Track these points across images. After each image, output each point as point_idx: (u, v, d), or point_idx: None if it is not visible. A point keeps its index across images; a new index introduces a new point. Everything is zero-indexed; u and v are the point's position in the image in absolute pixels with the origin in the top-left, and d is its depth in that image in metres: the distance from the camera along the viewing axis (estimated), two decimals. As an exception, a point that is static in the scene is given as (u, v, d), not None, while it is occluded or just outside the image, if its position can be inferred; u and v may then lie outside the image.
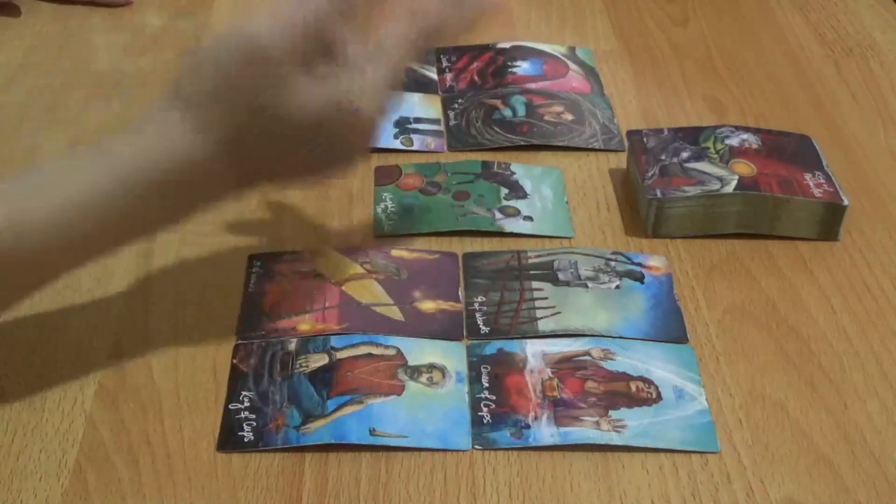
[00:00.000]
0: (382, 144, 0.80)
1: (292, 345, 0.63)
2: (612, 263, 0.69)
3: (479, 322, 0.65)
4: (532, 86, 0.86)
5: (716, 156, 0.74)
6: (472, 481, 0.56)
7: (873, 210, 0.75)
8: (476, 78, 0.88)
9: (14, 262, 0.56)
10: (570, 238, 0.72)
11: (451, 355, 0.62)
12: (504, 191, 0.75)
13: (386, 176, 0.77)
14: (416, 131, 0.82)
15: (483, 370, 0.61)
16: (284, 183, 0.67)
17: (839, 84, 0.89)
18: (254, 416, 0.58)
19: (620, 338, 0.64)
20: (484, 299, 0.66)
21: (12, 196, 0.56)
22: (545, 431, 0.58)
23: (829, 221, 0.71)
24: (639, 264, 0.69)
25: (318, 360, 0.61)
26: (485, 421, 0.58)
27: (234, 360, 0.62)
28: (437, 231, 0.72)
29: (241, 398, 0.59)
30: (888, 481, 0.56)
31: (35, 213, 0.55)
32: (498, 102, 0.84)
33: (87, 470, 0.56)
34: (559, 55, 0.91)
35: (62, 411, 0.59)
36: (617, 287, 0.67)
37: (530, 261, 0.69)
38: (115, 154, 0.58)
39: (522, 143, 0.80)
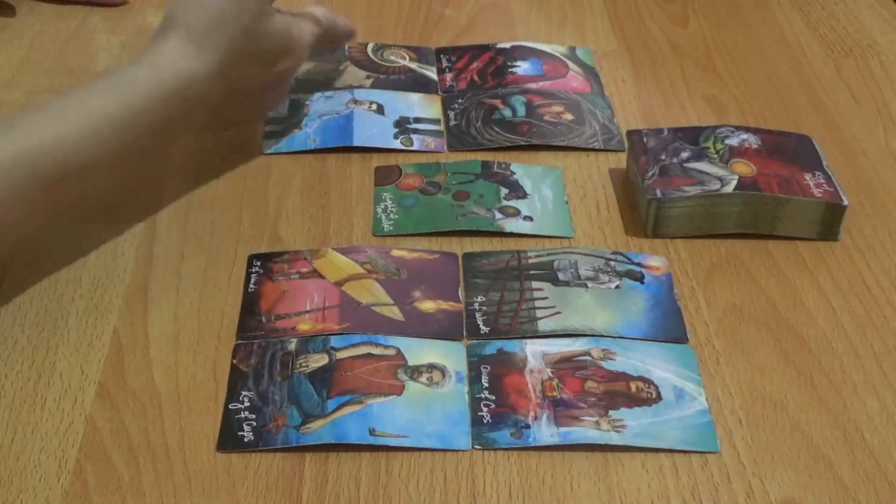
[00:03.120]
0: (382, 144, 0.80)
1: (292, 345, 0.63)
2: (612, 263, 0.69)
3: (478, 322, 0.65)
4: (532, 86, 0.86)
5: (716, 156, 0.74)
6: (472, 481, 0.56)
7: (873, 210, 0.75)
8: (476, 78, 0.88)
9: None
10: (570, 238, 0.72)
11: (450, 355, 0.62)
12: (504, 191, 0.75)
13: (386, 176, 0.77)
14: (416, 131, 0.82)
15: (483, 370, 0.61)
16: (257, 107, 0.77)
17: (839, 84, 0.89)
18: (254, 416, 0.58)
19: (620, 338, 0.64)
20: (484, 299, 0.66)
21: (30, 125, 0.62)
22: (545, 431, 0.58)
23: (829, 221, 0.71)
24: (639, 264, 0.69)
25: (318, 360, 0.61)
26: (485, 421, 0.58)
27: (234, 360, 0.62)
28: (437, 231, 0.72)
29: (241, 398, 0.59)
30: (888, 481, 0.56)
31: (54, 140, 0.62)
32: (498, 102, 0.84)
33: (87, 470, 0.56)
34: (559, 55, 0.91)
35: (62, 411, 0.59)
36: (617, 287, 0.67)
37: (530, 261, 0.69)
38: (126, 83, 0.66)
39: (522, 143, 0.80)
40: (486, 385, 0.60)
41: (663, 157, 0.74)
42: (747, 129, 0.77)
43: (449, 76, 0.88)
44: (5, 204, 0.59)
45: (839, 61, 0.92)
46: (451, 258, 0.70)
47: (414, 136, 0.81)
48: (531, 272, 0.68)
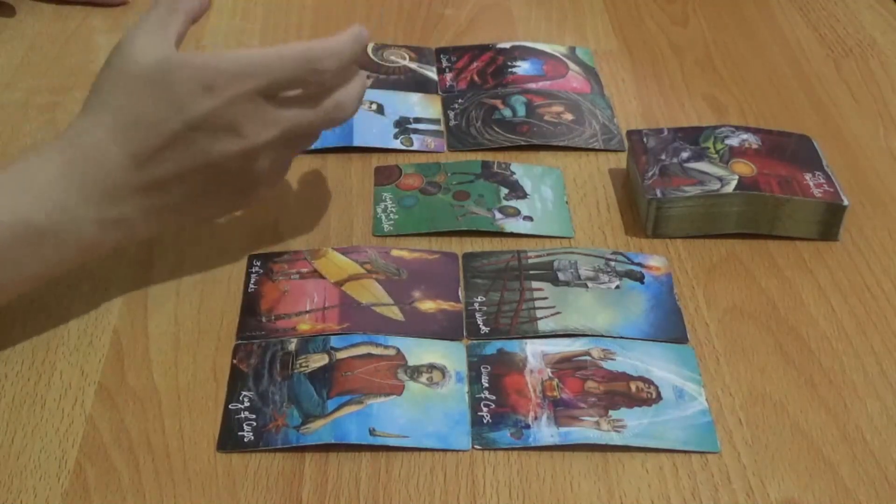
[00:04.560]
0: (382, 144, 0.80)
1: (292, 345, 0.63)
2: (612, 263, 0.69)
3: (478, 322, 0.65)
4: (532, 86, 0.86)
5: (716, 156, 0.74)
6: (472, 481, 0.56)
7: (873, 210, 0.75)
8: (476, 78, 0.88)
9: None
10: (570, 238, 0.72)
11: (450, 355, 0.62)
12: (504, 191, 0.75)
13: (386, 176, 0.77)
14: (416, 131, 0.82)
15: (483, 370, 0.61)
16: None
17: (839, 84, 0.89)
18: (254, 416, 0.58)
19: (620, 338, 0.64)
20: (484, 299, 0.66)
21: None
22: (545, 431, 0.58)
23: (829, 221, 0.71)
24: (639, 264, 0.69)
25: (318, 360, 0.61)
26: (485, 421, 0.58)
27: (234, 360, 0.62)
28: (437, 231, 0.72)
29: (241, 398, 0.59)
30: (888, 481, 0.56)
31: None
32: (498, 102, 0.84)
33: (87, 470, 0.56)
34: (559, 55, 0.91)
35: (62, 411, 0.59)
36: (617, 287, 0.67)
37: (530, 261, 0.69)
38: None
39: (522, 143, 0.80)
40: (486, 385, 0.60)
41: (663, 157, 0.74)
42: (747, 129, 0.77)
43: (449, 76, 0.88)
44: None
45: (839, 61, 0.92)
46: (451, 258, 0.70)
47: (414, 136, 0.81)
48: (531, 272, 0.68)
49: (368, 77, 0.70)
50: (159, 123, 0.59)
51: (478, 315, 0.65)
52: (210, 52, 0.62)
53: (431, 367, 0.61)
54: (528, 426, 0.58)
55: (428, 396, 0.60)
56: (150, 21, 0.62)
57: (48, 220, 0.58)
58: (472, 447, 0.57)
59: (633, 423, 0.58)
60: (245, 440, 0.57)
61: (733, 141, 0.75)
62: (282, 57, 0.61)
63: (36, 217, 0.58)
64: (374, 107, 0.83)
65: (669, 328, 0.65)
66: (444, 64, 0.90)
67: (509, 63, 0.89)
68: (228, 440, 0.57)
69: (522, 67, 0.89)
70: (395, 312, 0.65)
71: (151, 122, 0.59)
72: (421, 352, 0.62)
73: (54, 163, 0.59)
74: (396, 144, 0.80)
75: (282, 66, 0.61)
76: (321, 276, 0.67)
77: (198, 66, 0.60)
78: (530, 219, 0.73)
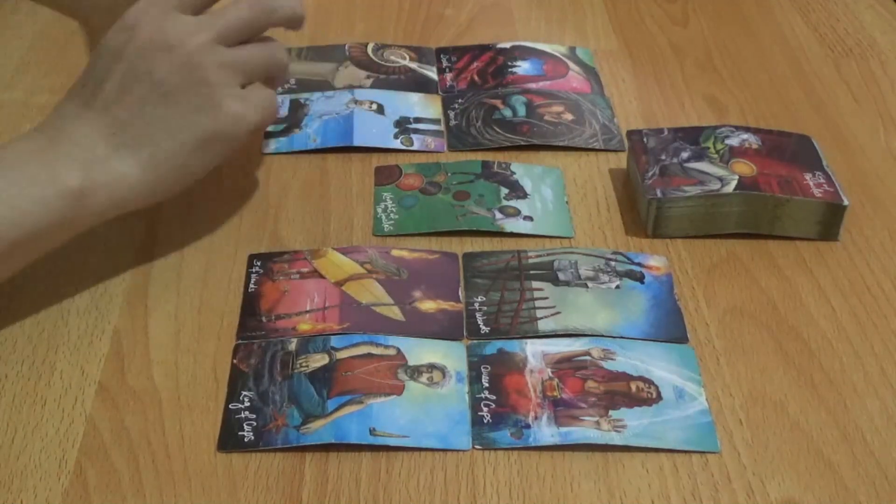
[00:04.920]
0: (382, 144, 0.80)
1: (292, 345, 0.63)
2: (612, 263, 0.69)
3: (479, 322, 0.65)
4: (532, 86, 0.86)
5: (716, 156, 0.74)
6: (472, 481, 0.56)
7: (873, 210, 0.75)
8: (476, 78, 0.88)
9: None
10: (570, 238, 0.72)
11: (451, 355, 0.62)
12: (504, 191, 0.75)
13: (386, 176, 0.77)
14: (416, 131, 0.82)
15: (483, 370, 0.61)
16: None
17: (839, 84, 0.89)
18: (254, 416, 0.58)
19: (620, 338, 0.64)
20: (484, 299, 0.66)
21: None
22: (545, 431, 0.58)
23: (829, 221, 0.71)
24: (639, 264, 0.69)
25: (319, 360, 0.61)
26: (485, 421, 0.58)
27: (234, 360, 0.62)
28: (437, 231, 0.72)
29: (241, 398, 0.59)
30: (888, 481, 0.56)
31: None
32: (498, 102, 0.84)
33: (87, 470, 0.56)
34: (559, 55, 0.91)
35: (62, 411, 0.59)
36: (617, 287, 0.67)
37: (530, 261, 0.69)
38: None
39: (522, 143, 0.80)
40: (487, 385, 0.60)
41: (663, 157, 0.74)
42: (747, 129, 0.77)
43: (449, 76, 0.88)
44: None
45: (839, 61, 0.92)
46: (451, 258, 0.70)
47: (414, 136, 0.81)
48: (531, 272, 0.68)
49: None
50: (102, 71, 0.65)
51: (478, 315, 0.65)
52: None
53: (431, 366, 0.61)
54: (528, 426, 0.58)
55: (428, 396, 0.60)
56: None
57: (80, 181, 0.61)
58: (473, 447, 0.57)
59: (634, 423, 0.58)
60: (245, 440, 0.57)
61: (733, 141, 0.75)
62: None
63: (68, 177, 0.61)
64: (374, 107, 0.83)
65: (669, 328, 0.65)
66: (445, 64, 0.90)
67: (509, 63, 0.89)
68: (228, 440, 0.57)
69: (522, 67, 0.89)
70: (395, 312, 0.65)
71: (98, 73, 0.65)
72: (421, 352, 0.62)
73: (35, 141, 0.63)
74: (396, 144, 0.80)
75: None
76: (321, 276, 0.67)
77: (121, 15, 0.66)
78: (530, 219, 0.73)
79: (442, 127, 0.82)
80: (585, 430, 0.58)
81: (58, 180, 0.60)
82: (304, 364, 0.61)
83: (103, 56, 0.65)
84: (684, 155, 0.74)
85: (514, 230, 0.72)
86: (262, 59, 0.68)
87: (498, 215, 0.73)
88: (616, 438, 0.57)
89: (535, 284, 0.67)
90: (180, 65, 0.64)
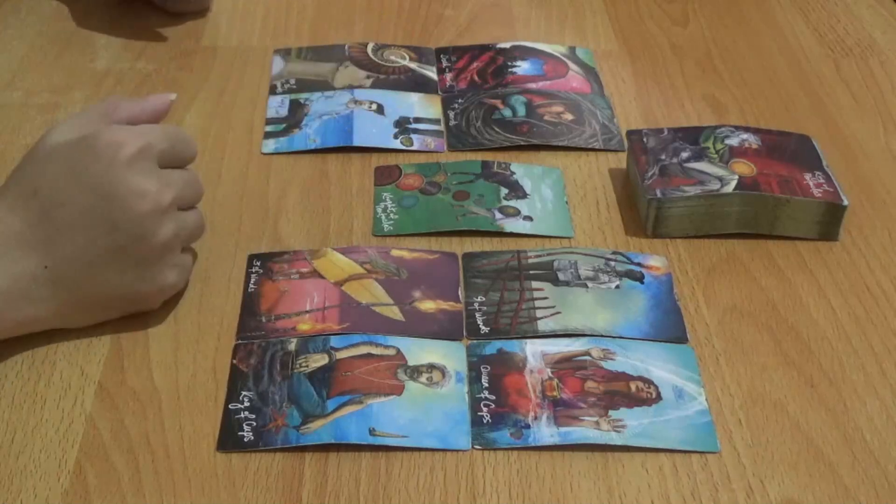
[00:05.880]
0: (382, 144, 0.80)
1: (292, 345, 0.63)
2: (612, 263, 0.69)
3: (478, 322, 0.65)
4: (532, 86, 0.86)
5: (716, 156, 0.74)
6: (472, 481, 0.56)
7: (873, 210, 0.75)
8: (476, 78, 0.88)
9: None
10: (570, 238, 0.72)
11: (450, 355, 0.62)
12: (504, 191, 0.75)
13: (386, 176, 0.77)
14: (416, 131, 0.82)
15: (483, 370, 0.61)
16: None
17: (839, 84, 0.89)
18: (254, 416, 0.58)
19: (620, 338, 0.64)
20: (484, 299, 0.66)
21: None
22: (545, 431, 0.58)
23: (829, 221, 0.71)
24: (639, 264, 0.69)
25: (318, 360, 0.61)
26: (485, 421, 0.58)
27: (234, 360, 0.62)
28: (437, 231, 0.72)
29: (241, 398, 0.59)
30: (888, 481, 0.56)
31: None
32: (498, 102, 0.84)
33: (87, 470, 0.56)
34: (559, 55, 0.91)
35: (62, 411, 0.59)
36: (617, 287, 0.67)
37: (530, 261, 0.69)
38: None
39: (522, 143, 0.80)
40: (486, 385, 0.60)
41: (663, 157, 0.74)
42: (747, 129, 0.77)
43: (449, 76, 0.88)
44: None
45: (839, 61, 0.92)
46: (451, 258, 0.70)
47: (414, 136, 0.81)
48: (531, 272, 0.68)
49: None
50: (56, 183, 0.60)
51: (478, 315, 0.65)
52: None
53: (431, 366, 0.61)
54: (528, 426, 0.58)
55: (428, 396, 0.60)
56: (75, 119, 0.63)
57: None
58: (472, 447, 0.57)
59: (633, 423, 0.58)
60: (245, 440, 0.57)
61: (733, 141, 0.75)
62: (162, 128, 0.63)
63: None
64: (374, 107, 0.83)
65: (669, 328, 0.65)
66: (444, 64, 0.90)
67: (509, 63, 0.89)
68: (228, 440, 0.57)
69: (522, 67, 0.89)
70: (395, 312, 0.65)
71: (49, 183, 0.60)
72: (421, 352, 0.62)
73: None
74: (396, 144, 0.80)
75: (164, 133, 0.63)
76: (321, 276, 0.67)
77: (96, 135, 0.60)
78: (530, 219, 0.73)
79: (442, 127, 0.82)
80: (585, 430, 0.58)
81: None
82: (303, 364, 0.61)
83: (59, 162, 0.60)
84: (684, 155, 0.74)
85: (514, 230, 0.72)
86: (194, 200, 0.65)
87: (498, 215, 0.73)
88: (616, 438, 0.57)
89: (535, 284, 0.67)
90: (146, 215, 0.60)
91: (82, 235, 0.59)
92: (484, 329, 0.64)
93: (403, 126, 0.82)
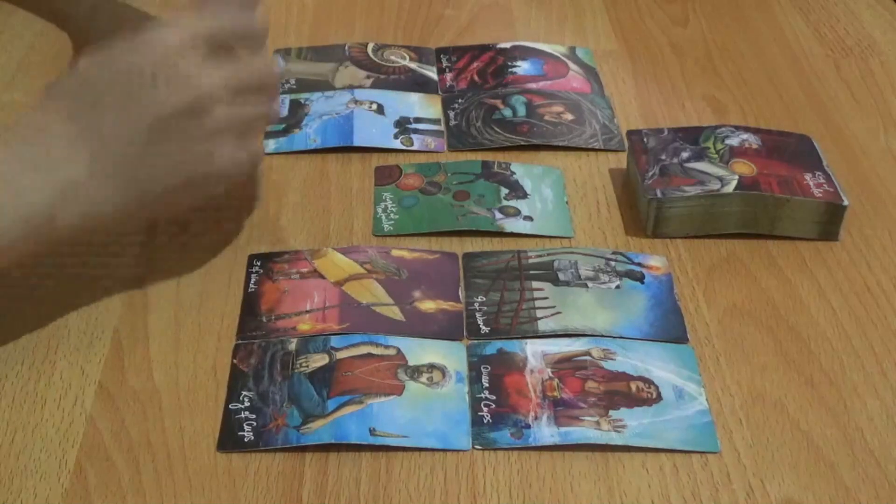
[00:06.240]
0: (383, 144, 0.80)
1: (292, 345, 0.63)
2: (612, 263, 0.69)
3: (479, 322, 0.65)
4: (532, 86, 0.86)
5: (716, 156, 0.74)
6: (472, 481, 0.56)
7: (873, 210, 0.75)
8: (476, 78, 0.88)
9: None
10: (570, 238, 0.72)
11: (451, 355, 0.62)
12: (504, 191, 0.75)
13: (386, 176, 0.77)
14: (416, 131, 0.82)
15: (483, 370, 0.61)
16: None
17: (839, 84, 0.89)
18: (254, 416, 0.58)
19: (620, 338, 0.64)
20: (484, 299, 0.66)
21: None
22: (545, 431, 0.58)
23: (829, 221, 0.71)
24: (639, 264, 0.69)
25: (319, 360, 0.61)
26: (485, 421, 0.58)
27: (234, 360, 0.62)
28: (437, 231, 0.72)
29: (241, 398, 0.59)
30: (888, 481, 0.56)
31: None
32: (498, 102, 0.84)
33: (87, 470, 0.56)
34: (559, 55, 0.91)
35: (62, 411, 0.59)
36: (617, 287, 0.67)
37: (530, 261, 0.69)
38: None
39: (522, 143, 0.80)
40: (487, 385, 0.60)
41: (663, 157, 0.74)
42: (747, 129, 0.77)
43: (449, 76, 0.88)
44: None
45: (839, 61, 0.92)
46: (451, 258, 0.70)
47: (414, 136, 0.81)
48: (531, 272, 0.68)
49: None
50: (106, 90, 0.59)
51: (478, 315, 0.65)
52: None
53: (431, 366, 0.61)
54: (528, 426, 0.58)
55: (428, 396, 0.60)
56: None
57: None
58: (473, 447, 0.57)
59: (634, 423, 0.58)
60: (245, 440, 0.57)
61: (733, 141, 0.75)
62: (221, 6, 0.62)
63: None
64: (374, 107, 0.83)
65: (669, 328, 0.65)
66: (445, 64, 0.90)
67: (509, 63, 0.89)
68: (228, 440, 0.57)
69: (522, 67, 0.89)
70: (395, 312, 0.65)
71: (100, 89, 0.59)
72: (421, 352, 0.62)
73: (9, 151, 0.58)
74: (396, 144, 0.80)
75: (217, 17, 0.62)
76: (321, 276, 0.67)
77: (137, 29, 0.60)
78: (530, 219, 0.73)
79: (442, 127, 0.82)
80: (585, 430, 0.58)
81: (28, 203, 0.57)
82: (304, 364, 0.61)
83: (111, 71, 0.60)
84: (684, 155, 0.74)
85: (514, 230, 0.72)
86: (253, 85, 0.64)
87: (498, 215, 0.73)
88: (616, 438, 0.57)
89: (535, 284, 0.67)
90: (191, 106, 0.60)
91: (125, 121, 0.59)
92: (484, 329, 0.64)
93: (403, 126, 0.82)
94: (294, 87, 0.86)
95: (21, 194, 0.57)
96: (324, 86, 0.86)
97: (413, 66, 0.90)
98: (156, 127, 0.59)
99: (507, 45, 0.92)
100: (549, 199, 0.75)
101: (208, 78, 0.60)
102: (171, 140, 0.60)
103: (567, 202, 0.75)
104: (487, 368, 0.61)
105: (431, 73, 0.89)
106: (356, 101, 0.83)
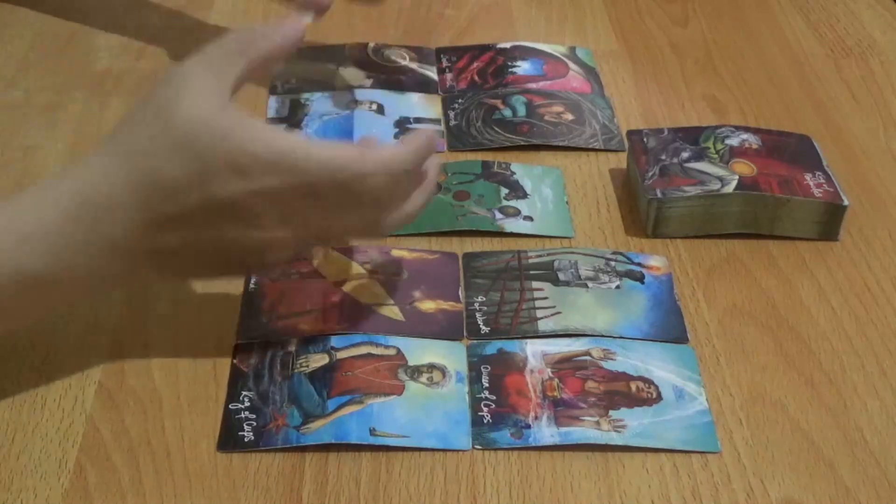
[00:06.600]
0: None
1: (292, 345, 0.63)
2: (612, 263, 0.69)
3: (479, 322, 0.65)
4: (532, 86, 0.86)
5: (716, 156, 0.74)
6: (472, 481, 0.56)
7: (873, 210, 0.75)
8: (476, 78, 0.88)
9: None
10: (570, 238, 0.72)
11: (451, 355, 0.62)
12: (504, 191, 0.75)
13: (386, 176, 0.77)
14: (417, 131, 0.82)
15: (483, 370, 0.61)
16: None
17: (839, 84, 0.89)
18: (254, 416, 0.58)
19: (620, 338, 0.64)
20: (484, 299, 0.66)
21: None
22: (545, 431, 0.58)
23: (829, 221, 0.71)
24: (639, 264, 0.69)
25: (319, 360, 0.61)
26: (485, 421, 0.58)
27: (234, 360, 0.62)
28: (437, 231, 0.72)
29: (241, 398, 0.59)
30: (888, 481, 0.56)
31: None
32: (498, 102, 0.84)
33: (87, 470, 0.56)
34: (559, 55, 0.91)
35: (62, 411, 0.59)
36: (617, 287, 0.67)
37: (530, 261, 0.69)
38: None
39: (522, 143, 0.80)
40: (487, 385, 0.60)
41: (663, 157, 0.74)
42: (747, 129, 0.77)
43: (449, 76, 0.88)
44: None
45: (839, 61, 0.92)
46: (451, 258, 0.70)
47: (414, 136, 0.81)
48: (531, 272, 0.68)
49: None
50: (180, 193, 0.54)
51: (478, 315, 0.65)
52: (253, 127, 0.55)
53: (432, 366, 0.61)
54: (528, 426, 0.58)
55: (428, 396, 0.60)
56: (209, 60, 0.57)
57: (46, 270, 0.54)
58: (473, 447, 0.57)
59: (634, 423, 0.58)
60: (245, 440, 0.57)
61: (733, 141, 0.75)
62: (326, 160, 0.55)
63: (35, 267, 0.54)
64: (374, 107, 0.83)
65: (669, 328, 0.65)
66: (445, 64, 0.90)
67: (509, 63, 0.89)
68: (228, 440, 0.57)
69: (522, 67, 0.89)
70: (395, 312, 0.65)
71: (172, 189, 0.54)
72: (421, 352, 0.62)
73: (60, 207, 0.54)
74: (396, 144, 0.80)
75: (321, 170, 0.55)
76: (321, 276, 0.67)
77: (235, 145, 0.54)
78: (530, 219, 0.73)
79: (442, 127, 0.82)
80: (585, 430, 0.58)
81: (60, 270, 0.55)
82: (304, 364, 0.61)
83: (190, 168, 0.54)
84: (684, 155, 0.74)
85: (514, 230, 0.72)
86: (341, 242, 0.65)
87: (498, 215, 0.73)
88: (616, 438, 0.57)
89: (535, 284, 0.67)
90: (256, 246, 0.57)
91: (185, 234, 0.55)
92: (484, 329, 0.64)
93: (404, 126, 0.82)
94: (294, 86, 0.86)
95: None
96: (324, 86, 0.86)
97: (413, 66, 0.90)
98: (214, 243, 0.56)
99: (507, 45, 0.92)
100: (549, 199, 0.75)
101: (282, 228, 0.57)
102: (223, 256, 0.58)
103: (567, 202, 0.75)
104: (487, 368, 0.61)
105: (431, 73, 0.89)
106: (356, 101, 0.83)
